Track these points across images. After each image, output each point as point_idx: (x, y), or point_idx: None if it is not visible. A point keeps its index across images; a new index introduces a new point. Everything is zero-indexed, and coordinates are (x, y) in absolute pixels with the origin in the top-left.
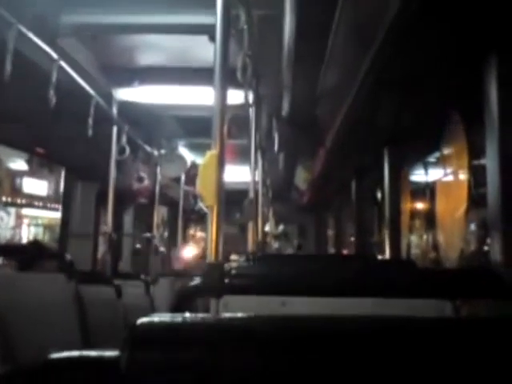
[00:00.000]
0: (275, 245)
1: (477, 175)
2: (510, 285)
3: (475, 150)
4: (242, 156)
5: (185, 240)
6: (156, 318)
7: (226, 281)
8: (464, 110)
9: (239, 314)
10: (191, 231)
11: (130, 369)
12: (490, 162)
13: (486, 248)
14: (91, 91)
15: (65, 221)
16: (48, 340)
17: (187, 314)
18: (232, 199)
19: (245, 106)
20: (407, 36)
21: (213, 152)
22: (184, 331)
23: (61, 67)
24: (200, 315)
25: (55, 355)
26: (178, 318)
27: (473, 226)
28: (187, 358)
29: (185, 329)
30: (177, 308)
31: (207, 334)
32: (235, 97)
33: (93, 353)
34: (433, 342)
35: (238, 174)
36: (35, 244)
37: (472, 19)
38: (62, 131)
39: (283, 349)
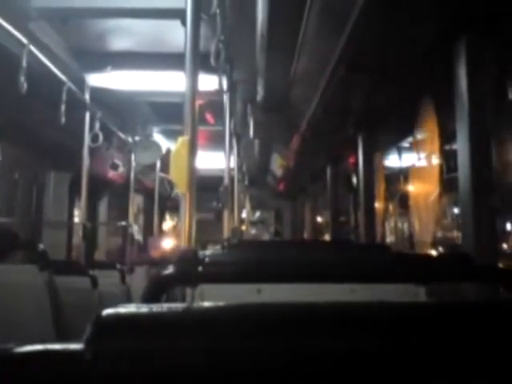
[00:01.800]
0: (252, 231)
1: (449, 160)
2: (482, 268)
3: (447, 135)
4: (218, 142)
5: (161, 228)
6: (122, 308)
7: (201, 269)
8: (435, 95)
9: (207, 303)
10: (173, 221)
11: (94, 361)
12: (461, 146)
13: (458, 232)
14: (63, 77)
15: (38, 210)
16: (20, 333)
17: (156, 304)
18: (208, 186)
19: (219, 92)
20: (378, 22)
21: (184, 138)
22: (151, 321)
23: (31, 52)
24: (167, 305)
25: (18, 349)
26: (143, 308)
27: (446, 210)
28: (154, 349)
29: (151, 319)
30: (149, 297)
31: (175, 324)
32: (209, 82)
33: (57, 345)
34: (408, 327)
35: (214, 160)
36: (6, 234)
37: (441, 5)
38: (33, 118)
39: (253, 337)
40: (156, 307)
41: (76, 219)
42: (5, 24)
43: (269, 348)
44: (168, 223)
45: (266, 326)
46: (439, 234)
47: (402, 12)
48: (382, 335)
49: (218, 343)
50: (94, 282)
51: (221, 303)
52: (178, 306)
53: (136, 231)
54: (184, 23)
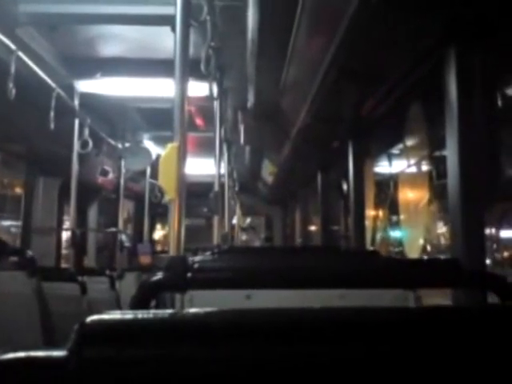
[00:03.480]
0: (243, 237)
1: (439, 166)
2: (471, 274)
3: (437, 142)
4: (208, 148)
5: (151, 234)
6: (107, 315)
7: (190, 275)
8: (425, 101)
9: (195, 309)
10: (164, 230)
11: (78, 369)
12: (450, 152)
13: (447, 238)
14: (52, 83)
15: (26, 216)
16: (8, 339)
17: (143, 311)
18: (199, 192)
19: (209, 98)
20: (369, 29)
21: (173, 144)
22: (137, 328)
23: (19, 58)
24: (154, 311)
25: (0, 356)
26: (129, 314)
27: (435, 216)
28: (138, 356)
29: (137, 326)
30: (138, 304)
31: (162, 331)
32: (200, 89)
33: (40, 353)
34: (397, 333)
35: (205, 166)
36: None
37: (432, 12)
38: (22, 124)
39: (242, 343)
40: (142, 314)
41: (65, 225)
42: None
43: (258, 354)
44: (159, 232)
45: (255, 332)
46: (431, 241)
47: (393, 20)
48: (371, 341)
49: (207, 350)
50: (83, 289)
51: (210, 309)
52: (165, 312)
53: (125, 238)
54: (174, 30)
